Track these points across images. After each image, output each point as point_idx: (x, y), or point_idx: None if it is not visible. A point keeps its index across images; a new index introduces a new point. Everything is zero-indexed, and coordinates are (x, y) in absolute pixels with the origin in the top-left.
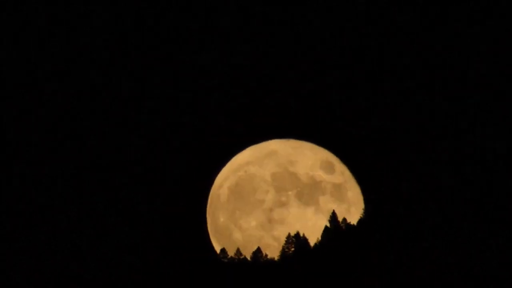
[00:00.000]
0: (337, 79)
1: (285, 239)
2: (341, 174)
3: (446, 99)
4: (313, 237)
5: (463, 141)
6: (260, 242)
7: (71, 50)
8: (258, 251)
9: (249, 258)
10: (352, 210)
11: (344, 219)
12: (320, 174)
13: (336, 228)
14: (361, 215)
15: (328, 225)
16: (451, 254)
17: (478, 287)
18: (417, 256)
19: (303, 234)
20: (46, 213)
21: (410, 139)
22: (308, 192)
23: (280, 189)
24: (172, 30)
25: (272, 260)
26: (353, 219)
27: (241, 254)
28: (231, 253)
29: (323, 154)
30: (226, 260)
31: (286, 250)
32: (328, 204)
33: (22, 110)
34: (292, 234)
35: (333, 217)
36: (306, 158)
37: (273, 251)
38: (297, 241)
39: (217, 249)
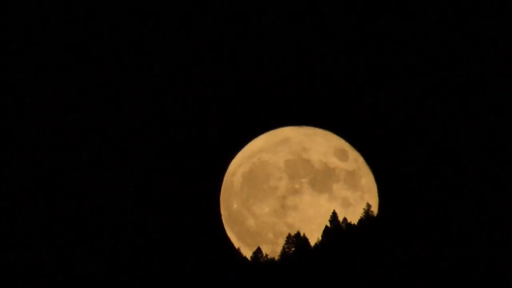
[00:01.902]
0: (351, 68)
1: (286, 239)
2: (354, 161)
3: (460, 88)
4: (323, 228)
5: (477, 130)
6: (273, 229)
7: (80, 51)
8: (258, 251)
9: (249, 258)
10: (366, 197)
11: (345, 219)
12: (334, 161)
13: (336, 228)
14: (362, 215)
15: (329, 224)
16: (461, 252)
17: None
18: (422, 253)
19: (304, 234)
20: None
21: (423, 127)
22: (322, 179)
23: (294, 176)
24: (190, 20)
25: (272, 260)
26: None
27: (241, 254)
28: (243, 240)
29: (337, 141)
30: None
31: (286, 250)
32: (342, 191)
33: (26, 110)
34: (305, 221)
35: (333, 217)
36: (319, 145)
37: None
38: (297, 241)
39: (230, 235)
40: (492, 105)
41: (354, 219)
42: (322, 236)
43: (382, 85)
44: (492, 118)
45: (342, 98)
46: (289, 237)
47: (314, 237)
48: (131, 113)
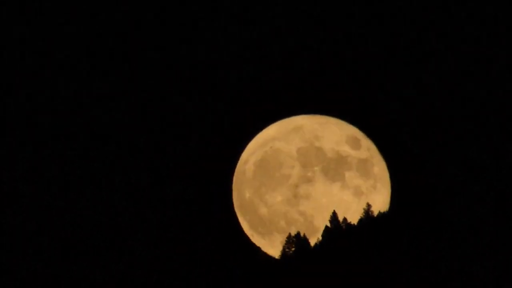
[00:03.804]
0: (363, 56)
1: (286, 239)
2: (367, 150)
3: (475, 76)
4: (338, 215)
5: (494, 119)
6: (286, 217)
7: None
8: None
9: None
10: (378, 185)
11: (345, 219)
12: (346, 149)
13: (336, 228)
14: (362, 215)
15: (328, 225)
16: (471, 251)
17: None
18: (430, 248)
19: (304, 234)
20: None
21: (437, 115)
22: (334, 167)
23: (306, 164)
24: (203, 10)
25: (273, 258)
26: (379, 195)
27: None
28: (256, 228)
29: (349, 130)
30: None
31: (286, 250)
32: (354, 180)
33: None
34: (318, 209)
35: (333, 217)
36: (332, 134)
37: (298, 226)
38: (297, 241)
39: (243, 224)
40: (510, 94)
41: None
42: (322, 236)
43: (395, 73)
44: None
45: (355, 87)
46: (289, 237)
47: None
48: (145, 102)
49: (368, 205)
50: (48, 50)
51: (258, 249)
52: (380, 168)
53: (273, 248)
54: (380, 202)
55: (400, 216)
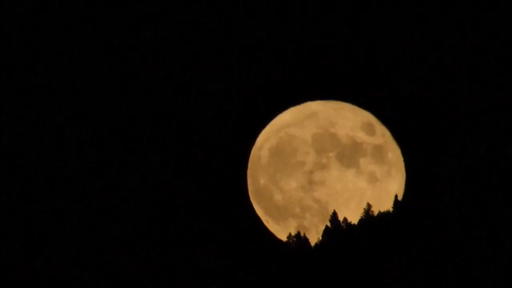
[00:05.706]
0: (378, 41)
1: (286, 239)
2: (382, 136)
3: (491, 63)
4: (351, 202)
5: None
6: (301, 204)
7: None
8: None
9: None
10: (393, 172)
11: (345, 219)
12: (361, 136)
13: (336, 228)
14: (362, 215)
15: (329, 224)
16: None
17: None
18: (441, 243)
19: (304, 234)
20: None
21: (452, 101)
22: (349, 153)
23: (321, 151)
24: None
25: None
26: (393, 182)
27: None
28: (271, 215)
29: (364, 116)
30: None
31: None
32: (369, 166)
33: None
34: (333, 196)
35: (334, 217)
36: (347, 120)
37: (313, 213)
38: (297, 240)
39: (257, 210)
40: None
41: (380, 195)
42: (322, 236)
43: (410, 59)
44: None
45: (370, 72)
46: (289, 236)
47: (341, 212)
48: (159, 89)
49: (368, 205)
50: (47, 49)
51: (272, 235)
52: (394, 154)
53: (288, 234)
54: (395, 188)
55: (402, 214)
